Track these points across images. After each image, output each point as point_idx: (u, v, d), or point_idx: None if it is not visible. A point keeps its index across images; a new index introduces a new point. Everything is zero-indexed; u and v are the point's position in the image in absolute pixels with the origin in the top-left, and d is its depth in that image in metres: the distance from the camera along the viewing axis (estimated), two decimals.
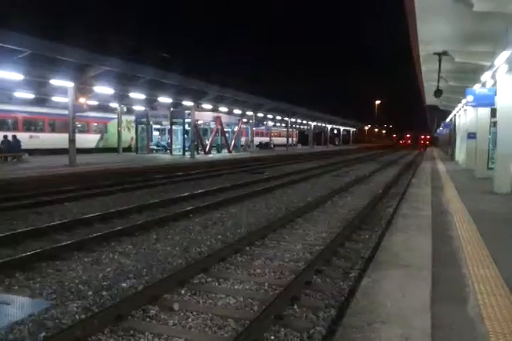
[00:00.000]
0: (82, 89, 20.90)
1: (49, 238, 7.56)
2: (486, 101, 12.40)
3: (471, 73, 14.09)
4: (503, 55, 9.44)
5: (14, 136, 20.88)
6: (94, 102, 27.40)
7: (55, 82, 18.47)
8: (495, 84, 12.03)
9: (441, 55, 12.49)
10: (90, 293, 5.03)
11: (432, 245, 5.51)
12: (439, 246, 5.54)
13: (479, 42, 11.13)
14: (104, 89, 21.60)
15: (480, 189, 11.98)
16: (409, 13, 9.19)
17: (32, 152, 23.50)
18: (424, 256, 5.00)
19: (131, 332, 4.06)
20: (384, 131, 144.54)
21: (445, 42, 11.66)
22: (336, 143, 78.34)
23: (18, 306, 4.64)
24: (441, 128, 51.58)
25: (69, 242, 6.87)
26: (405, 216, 7.69)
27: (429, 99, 26.08)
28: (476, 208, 8.69)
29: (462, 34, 10.65)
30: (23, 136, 23.33)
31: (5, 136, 20.43)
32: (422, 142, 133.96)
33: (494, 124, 14.59)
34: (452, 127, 33.08)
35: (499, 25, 9.12)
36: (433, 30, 10.44)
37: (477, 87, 13.18)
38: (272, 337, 4.01)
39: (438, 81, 14.36)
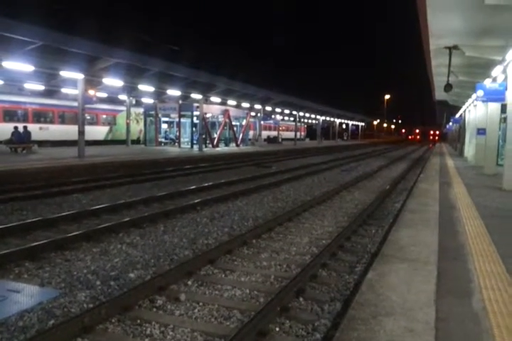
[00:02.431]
0: (92, 81, 20.97)
1: (58, 228, 7.64)
2: (497, 96, 12.29)
3: (482, 68, 13.94)
4: None
5: (25, 127, 21.00)
6: (103, 94, 27.53)
7: (65, 73, 18.58)
8: (506, 79, 11.92)
9: (451, 49, 12.35)
10: (98, 282, 5.09)
11: (438, 240, 5.51)
12: (446, 241, 5.53)
13: (491, 36, 11.00)
14: (113, 81, 21.68)
15: (489, 185, 11.91)
16: (420, 6, 9.11)
17: (41, 143, 23.69)
18: (431, 250, 5.01)
19: (139, 321, 4.12)
20: (393, 126, 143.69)
21: (456, 36, 11.54)
22: (345, 137, 78.03)
23: (28, 294, 4.71)
24: (450, 124, 51.26)
25: (78, 233, 6.94)
26: (413, 211, 7.68)
27: (439, 94, 25.85)
28: (484, 204, 8.66)
29: (473, 28, 10.53)
30: (33, 128, 23.45)
31: (15, 127, 20.56)
32: (431, 138, 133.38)
33: (504, 120, 14.47)
34: (462, 123, 32.85)
35: (511, 19, 9.03)
36: (444, 24, 10.33)
37: (487, 82, 13.07)
38: (277, 329, 4.05)
39: (448, 75, 14.22)
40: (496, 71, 11.92)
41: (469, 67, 14.82)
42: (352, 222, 8.33)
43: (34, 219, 7.83)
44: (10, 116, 25.70)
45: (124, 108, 31.37)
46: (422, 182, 12.55)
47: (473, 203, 8.75)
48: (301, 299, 4.72)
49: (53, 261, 5.85)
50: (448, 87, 14.62)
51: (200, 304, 4.56)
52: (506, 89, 11.70)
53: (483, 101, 13.82)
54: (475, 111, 21.45)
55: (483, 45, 11.81)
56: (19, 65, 16.44)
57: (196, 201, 10.16)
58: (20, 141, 20.37)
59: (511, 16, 8.94)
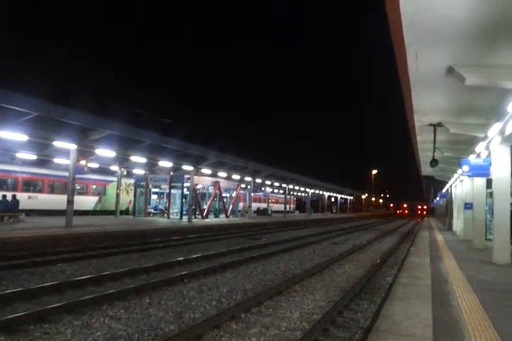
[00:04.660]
0: (84, 151, 21.23)
1: (39, 299, 7.35)
2: (482, 171, 12.57)
3: (466, 144, 14.40)
4: (496, 127, 9.77)
5: (14, 196, 20.90)
6: (94, 165, 27.74)
7: (58, 143, 18.75)
8: (489, 155, 12.28)
9: (436, 126, 12.82)
10: None
11: (432, 314, 5.36)
12: (440, 315, 5.39)
13: (473, 114, 11.49)
14: (105, 152, 21.86)
15: (479, 259, 11.83)
16: (404, 86, 9.60)
17: (29, 212, 23.43)
18: (425, 325, 4.85)
19: None
20: (381, 200, 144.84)
21: (440, 114, 12.03)
22: (334, 210, 78.30)
23: None
24: (437, 199, 51.91)
25: (59, 304, 6.67)
26: (405, 285, 7.54)
27: (425, 170, 26.45)
28: (476, 278, 8.55)
29: (456, 106, 11.03)
30: (22, 196, 23.35)
31: (4, 196, 20.45)
32: (419, 212, 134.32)
33: (490, 195, 14.71)
34: (449, 197, 33.28)
35: (491, 98, 9.49)
36: (427, 103, 10.81)
37: (472, 158, 13.45)
38: None
39: (433, 151, 14.63)
40: (480, 147, 12.32)
41: (454, 143, 15.31)
42: (343, 296, 8.13)
43: (14, 290, 7.55)
44: None
45: (114, 178, 31.53)
46: (413, 256, 12.44)
47: (465, 277, 8.64)
48: None
49: (31, 334, 5.55)
50: (434, 163, 14.97)
51: None
52: (491, 164, 12.02)
53: (468, 176, 14.13)
54: (461, 185, 21.86)
55: (466, 122, 12.30)
56: (13, 135, 16.61)
57: (184, 273, 9.91)
58: (7, 209, 20.14)
59: (490, 96, 9.43)
